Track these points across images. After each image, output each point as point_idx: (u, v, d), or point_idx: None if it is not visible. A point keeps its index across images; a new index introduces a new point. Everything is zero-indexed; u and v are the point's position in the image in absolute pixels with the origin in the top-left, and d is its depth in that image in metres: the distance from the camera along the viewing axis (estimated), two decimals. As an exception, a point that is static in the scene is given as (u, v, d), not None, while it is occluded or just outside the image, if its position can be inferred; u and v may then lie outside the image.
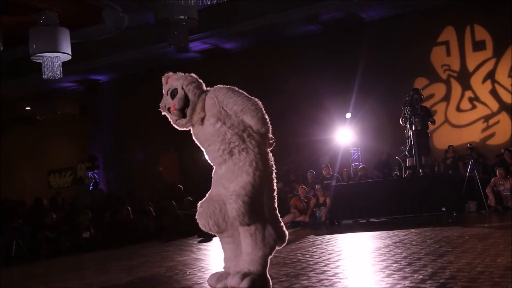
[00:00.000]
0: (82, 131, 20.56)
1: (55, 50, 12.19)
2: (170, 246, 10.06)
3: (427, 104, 13.35)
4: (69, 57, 12.58)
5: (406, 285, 3.89)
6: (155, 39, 15.37)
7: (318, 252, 6.50)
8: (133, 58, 16.79)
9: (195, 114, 4.33)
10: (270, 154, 4.39)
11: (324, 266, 5.27)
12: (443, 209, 10.64)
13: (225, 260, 4.45)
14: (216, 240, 4.55)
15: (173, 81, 4.43)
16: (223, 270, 4.44)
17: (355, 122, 14.34)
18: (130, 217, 13.18)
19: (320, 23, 15.40)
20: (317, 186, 12.80)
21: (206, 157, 4.44)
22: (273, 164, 4.40)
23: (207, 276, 4.76)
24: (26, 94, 19.39)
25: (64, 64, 12.72)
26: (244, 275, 4.12)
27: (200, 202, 4.39)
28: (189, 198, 13.34)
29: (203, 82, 4.57)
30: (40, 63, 12.56)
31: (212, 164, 4.43)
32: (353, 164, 14.36)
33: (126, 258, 9.11)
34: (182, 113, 4.34)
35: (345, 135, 14.36)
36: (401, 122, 11.84)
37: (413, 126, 11.51)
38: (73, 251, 11.28)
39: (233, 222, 4.16)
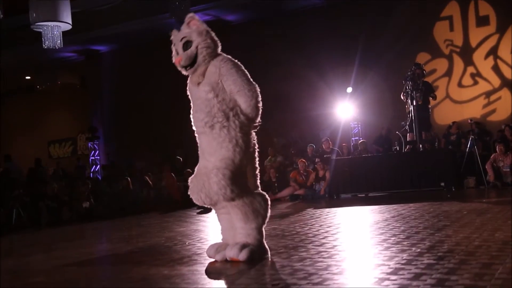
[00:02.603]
0: (82, 101, 20.48)
1: (55, 19, 12.06)
2: (170, 217, 10.11)
3: (429, 79, 13.27)
4: (70, 27, 12.44)
5: (404, 257, 3.92)
6: (156, 10, 15.23)
7: (317, 225, 6.53)
8: (134, 29, 16.66)
9: (194, 75, 4.34)
10: (254, 134, 4.37)
11: (323, 238, 5.30)
12: (442, 184, 10.69)
13: (223, 231, 4.47)
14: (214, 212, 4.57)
15: (193, 31, 4.36)
16: (221, 241, 4.47)
17: (355, 97, 14.30)
18: (130, 188, 13.25)
19: (323, -4, 15.27)
20: (317, 160, 12.82)
21: (191, 118, 4.43)
22: (256, 143, 4.39)
23: (206, 246, 4.79)
24: (26, 63, 19.27)
25: (65, 33, 12.58)
26: (243, 246, 4.15)
27: (190, 178, 4.42)
28: (188, 170, 13.35)
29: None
30: (40, 32, 12.44)
31: (193, 128, 4.43)
32: (353, 138, 14.36)
33: (126, 228, 9.18)
34: (184, 68, 4.35)
35: (345, 110, 14.33)
36: (402, 97, 11.81)
37: (414, 101, 11.49)
38: (73, 221, 11.35)
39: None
